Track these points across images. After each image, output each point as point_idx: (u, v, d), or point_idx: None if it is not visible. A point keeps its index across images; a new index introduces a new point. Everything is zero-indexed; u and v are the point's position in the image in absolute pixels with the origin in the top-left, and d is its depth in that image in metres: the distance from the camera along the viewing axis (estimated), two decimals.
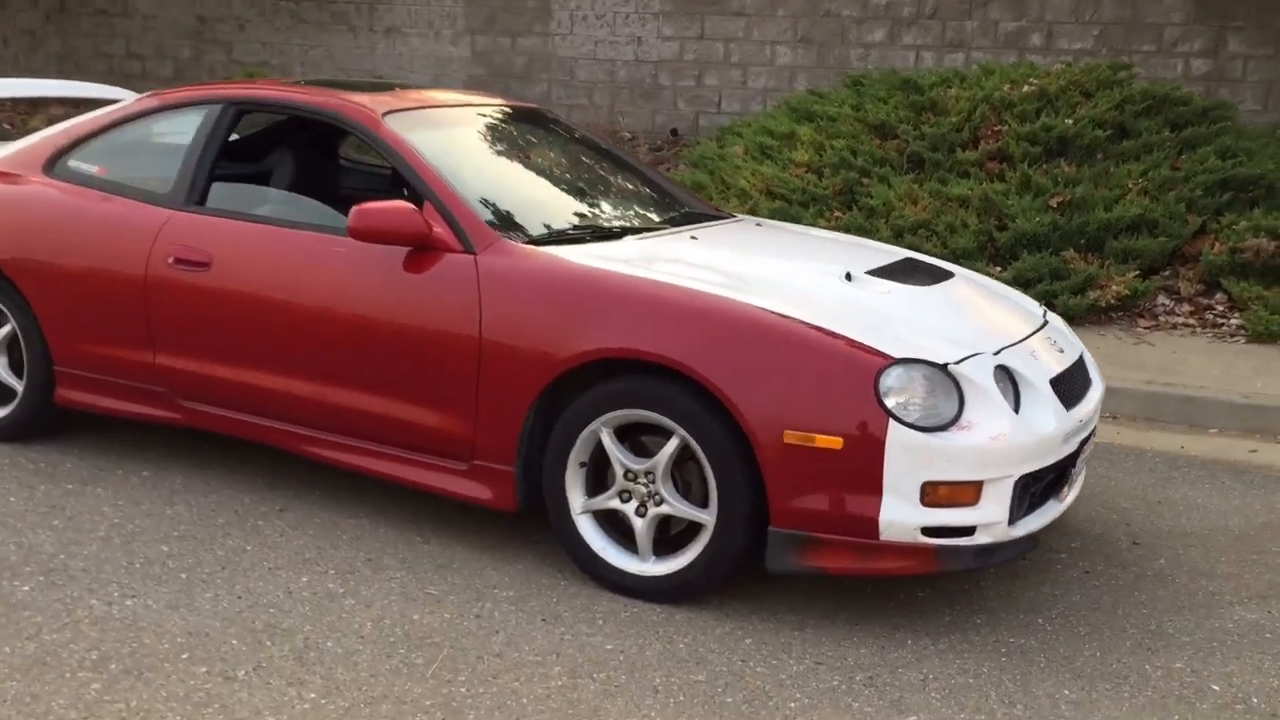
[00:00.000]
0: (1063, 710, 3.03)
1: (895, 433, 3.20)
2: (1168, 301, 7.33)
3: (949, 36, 10.94)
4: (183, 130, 4.46)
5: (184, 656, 3.14)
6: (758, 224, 4.74)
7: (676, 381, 3.40)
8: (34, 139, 4.75)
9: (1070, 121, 7.91)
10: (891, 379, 3.26)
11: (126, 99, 5.81)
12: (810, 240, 4.66)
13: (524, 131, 4.69)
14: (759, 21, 11.42)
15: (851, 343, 3.31)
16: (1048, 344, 3.80)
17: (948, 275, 4.11)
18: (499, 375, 3.63)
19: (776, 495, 3.29)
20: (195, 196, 4.29)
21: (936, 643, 3.36)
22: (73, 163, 4.57)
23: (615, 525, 3.64)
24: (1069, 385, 3.67)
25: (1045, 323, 4.00)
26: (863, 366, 3.26)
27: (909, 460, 3.20)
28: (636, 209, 4.43)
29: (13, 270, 4.49)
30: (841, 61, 11.27)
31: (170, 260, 4.19)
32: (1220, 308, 7.25)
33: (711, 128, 11.61)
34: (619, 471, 3.53)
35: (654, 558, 3.54)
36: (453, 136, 4.32)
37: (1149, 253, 7.38)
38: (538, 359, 3.56)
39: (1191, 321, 7.13)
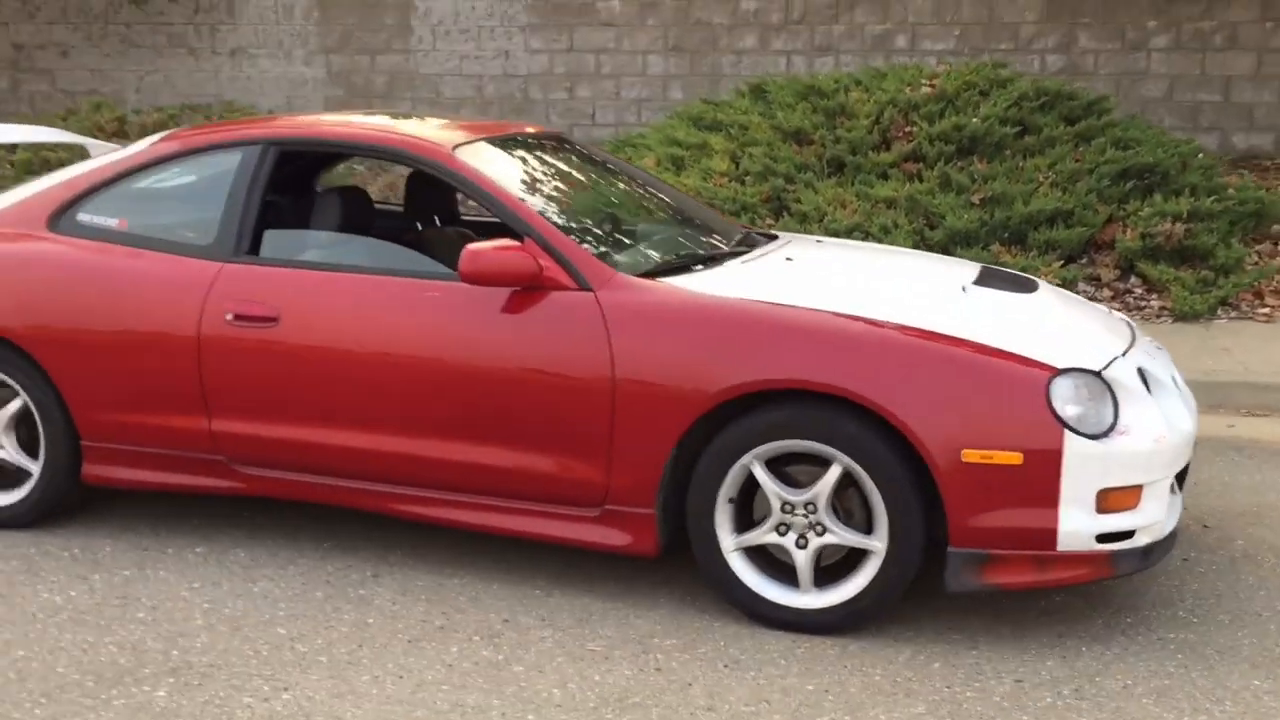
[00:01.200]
0: (1266, 702, 3.13)
1: (1071, 443, 3.24)
2: (1089, 288, 7.67)
3: (818, 41, 11.20)
4: (213, 175, 4.13)
5: None
6: (818, 241, 4.72)
7: (840, 408, 3.35)
8: (25, 192, 4.31)
9: (978, 120, 8.20)
10: (1061, 389, 3.30)
11: (84, 142, 5.37)
12: (887, 255, 4.66)
13: (564, 159, 4.54)
14: (629, 31, 11.43)
15: (1017, 357, 3.34)
16: (1147, 344, 3.92)
17: (1033, 282, 4.18)
18: (637, 415, 3.50)
19: (955, 515, 3.29)
20: (245, 246, 3.98)
21: (1109, 647, 3.42)
22: (84, 216, 4.17)
23: (764, 559, 3.56)
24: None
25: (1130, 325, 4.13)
26: (1033, 380, 3.29)
27: (1085, 469, 3.25)
28: (700, 233, 4.35)
29: (25, 340, 4.07)
30: (714, 69, 11.40)
31: (229, 317, 3.87)
32: (1139, 290, 7.65)
33: (586, 140, 11.52)
34: (775, 504, 3.46)
35: (814, 589, 3.48)
36: (515, 168, 4.14)
37: (1067, 243, 7.72)
38: (682, 396, 3.46)
39: (1115, 305, 7.49)
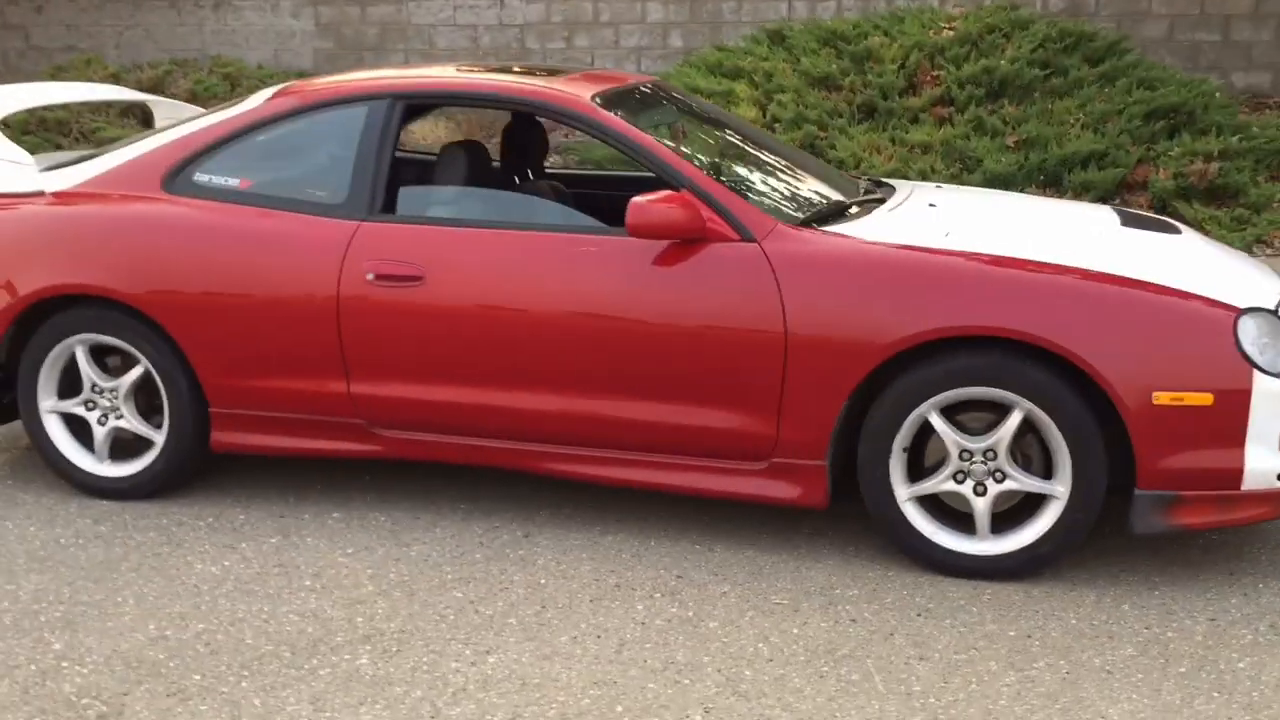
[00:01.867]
0: None
1: (1260, 382, 3.27)
2: None
3: None
4: (338, 131, 4.00)
5: (618, 710, 2.88)
6: (938, 187, 4.69)
7: (1022, 354, 3.35)
8: (132, 152, 4.15)
9: (1006, 62, 8.20)
10: (1246, 329, 3.32)
11: (148, 99, 5.20)
12: (1020, 200, 4.63)
13: (679, 109, 4.46)
14: None
15: (1202, 297, 3.35)
16: None
17: (1174, 225, 4.19)
18: (810, 367, 3.47)
19: (1145, 458, 3.30)
20: (379, 204, 3.87)
21: None
22: (201, 177, 4.02)
23: (935, 507, 3.56)
24: None
25: None
26: (1220, 320, 3.31)
27: (1270, 408, 3.28)
28: (826, 182, 4.30)
29: (148, 305, 3.94)
30: (715, 16, 11.28)
31: (370, 277, 3.77)
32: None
33: None
34: (953, 452, 3.46)
35: (990, 536, 3.49)
36: (651, 120, 4.05)
37: (1102, 184, 7.76)
38: (857, 346, 3.43)
39: None
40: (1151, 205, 7.84)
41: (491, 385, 3.75)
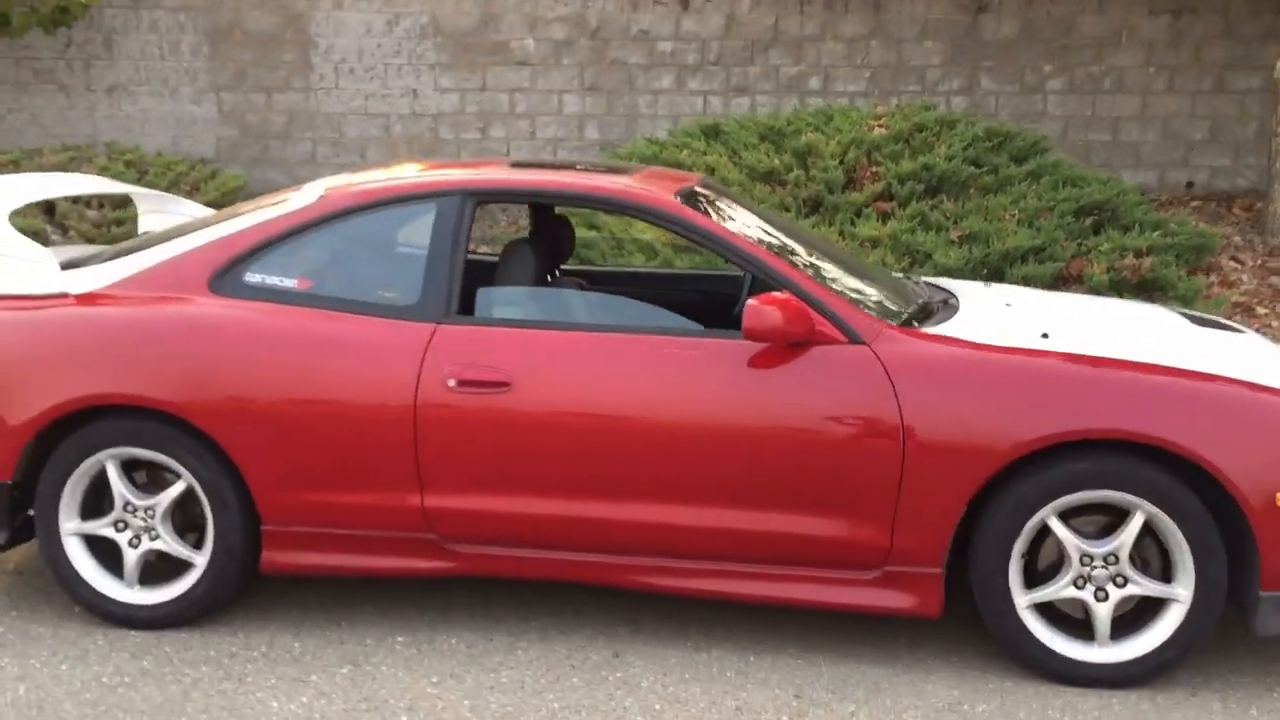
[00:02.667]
0: None
1: None
2: None
3: (734, 82, 11.31)
4: (403, 229, 3.80)
5: None
6: (986, 286, 4.70)
7: (1144, 457, 3.34)
8: (168, 250, 3.85)
9: (943, 160, 8.42)
10: None
11: (139, 191, 4.89)
12: (1080, 300, 4.67)
13: (734, 208, 4.37)
14: (544, 71, 11.27)
15: None
16: None
17: (1231, 324, 4.28)
18: (928, 473, 3.40)
19: (1269, 559, 3.31)
20: (456, 306, 3.67)
21: None
22: (253, 277, 3.76)
23: (1050, 614, 3.51)
24: None
25: None
26: None
27: None
28: (882, 280, 4.26)
29: (197, 415, 3.63)
30: (631, 109, 11.36)
31: (452, 383, 3.56)
32: None
33: None
34: (1074, 557, 3.42)
35: (1110, 642, 3.45)
36: (724, 218, 3.96)
37: (1042, 277, 7.98)
38: (978, 451, 3.38)
39: None
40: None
41: (582, 496, 3.56)
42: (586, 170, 4.08)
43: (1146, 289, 8.13)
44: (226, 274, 3.76)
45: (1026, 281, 7.82)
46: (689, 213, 3.71)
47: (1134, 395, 3.36)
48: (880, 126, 8.90)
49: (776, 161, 8.54)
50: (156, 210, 4.94)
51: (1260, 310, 8.07)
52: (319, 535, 3.70)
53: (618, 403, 3.52)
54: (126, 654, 3.62)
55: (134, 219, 5.31)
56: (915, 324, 3.65)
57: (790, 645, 3.69)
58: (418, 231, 3.77)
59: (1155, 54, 11.27)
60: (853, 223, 8.11)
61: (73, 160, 9.66)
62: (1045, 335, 3.61)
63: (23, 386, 3.69)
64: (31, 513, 3.84)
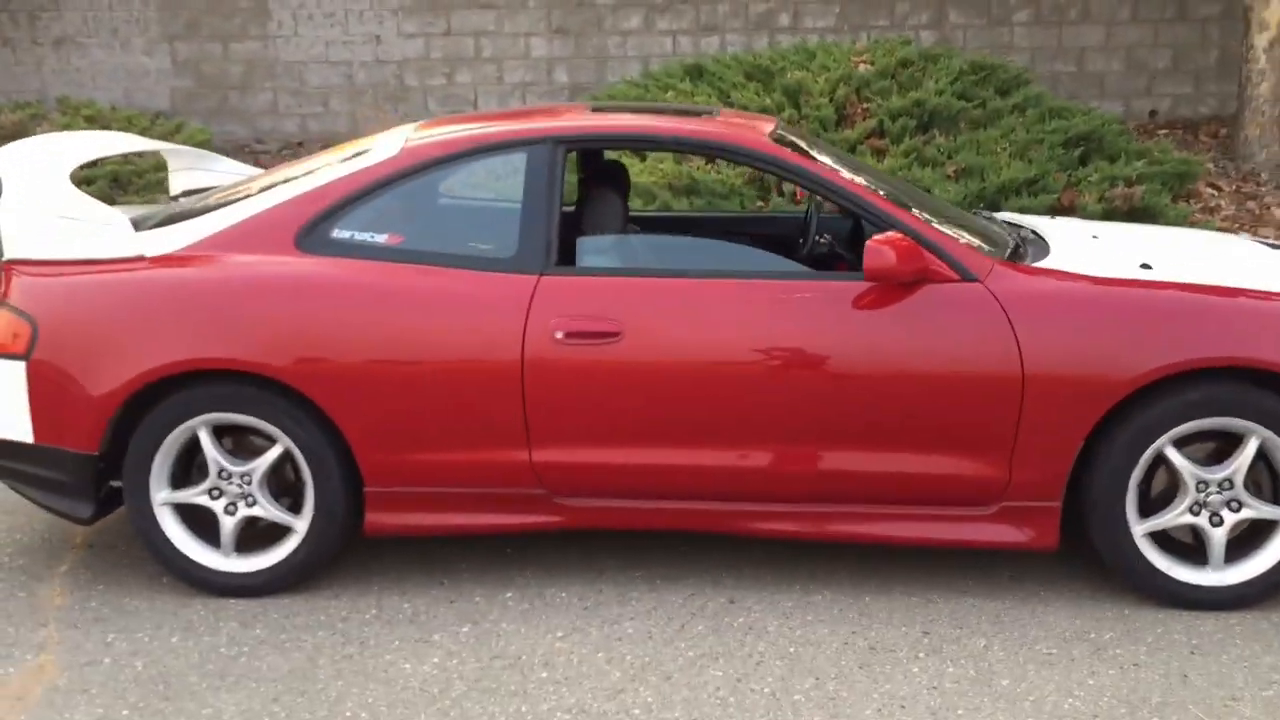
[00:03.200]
0: None
1: None
2: None
3: (704, 20, 11.21)
4: (492, 180, 3.71)
5: None
6: (1052, 220, 4.71)
7: (1254, 383, 3.38)
8: (247, 209, 3.70)
9: (934, 95, 8.43)
10: None
11: (171, 148, 4.71)
12: (1157, 229, 4.68)
13: (816, 146, 4.29)
14: (509, 13, 11.06)
15: None
16: None
17: None
18: (1047, 407, 3.42)
19: None
20: (555, 256, 3.59)
21: None
22: (340, 233, 3.64)
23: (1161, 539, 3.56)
24: None
25: None
26: None
27: None
28: (963, 217, 4.24)
29: (295, 377, 3.52)
30: (600, 51, 11.21)
31: (559, 335, 3.49)
32: None
33: None
34: (1190, 484, 3.46)
35: (1224, 565, 3.51)
36: (822, 159, 3.90)
37: (1037, 209, 8.04)
38: (1097, 383, 3.40)
39: None
40: None
41: (696, 444, 3.53)
42: (669, 114, 4.00)
43: (1138, 217, 8.23)
44: (312, 231, 3.63)
45: (1023, 213, 7.89)
46: (788, 153, 3.67)
47: (1247, 322, 3.41)
48: (864, 63, 8.87)
49: (768, 100, 8.46)
50: (191, 168, 4.76)
51: (1242, 235, 8.19)
52: (424, 495, 3.63)
53: (731, 349, 3.48)
54: (235, 623, 3.53)
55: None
56: (1019, 259, 3.65)
57: (897, 584, 3.71)
58: (507, 181, 3.68)
59: None
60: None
61: (33, 118, 9.29)
62: (1146, 266, 3.63)
63: (107, 355, 3.55)
64: (115, 484, 3.72)
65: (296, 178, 3.82)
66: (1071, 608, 3.55)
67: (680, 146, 3.83)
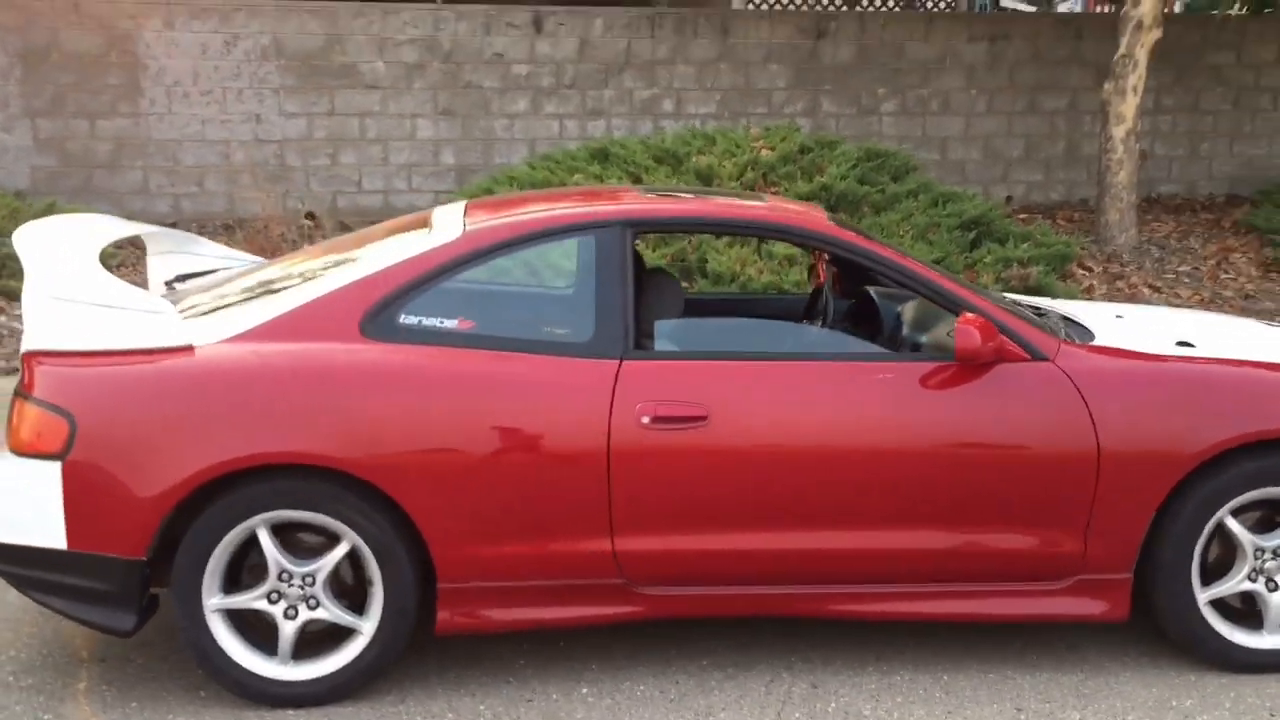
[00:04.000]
0: None
1: None
2: None
3: (589, 105, 11.35)
4: (560, 263, 3.64)
5: None
6: (1064, 302, 4.88)
7: None
8: (300, 296, 3.53)
9: (839, 179, 8.73)
10: None
11: (151, 230, 4.47)
12: (1176, 311, 4.86)
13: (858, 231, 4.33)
14: (395, 94, 10.98)
15: None
16: None
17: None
18: (1121, 482, 3.54)
19: None
20: (633, 340, 3.54)
21: None
22: (408, 319, 3.49)
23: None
24: None
25: None
26: None
27: None
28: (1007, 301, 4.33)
29: (369, 471, 3.35)
30: (486, 133, 11.21)
31: (646, 420, 3.43)
32: None
33: (353, 209, 10.93)
34: (1249, 551, 3.63)
35: (1277, 629, 3.67)
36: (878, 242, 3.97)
37: None
38: (1166, 457, 3.54)
39: None
40: None
41: (781, 528, 3.50)
42: (722, 199, 4.02)
43: (1033, 295, 8.63)
44: (377, 317, 3.48)
45: None
46: (856, 237, 3.73)
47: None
48: (765, 148, 9.11)
49: (680, 182, 8.60)
50: (171, 251, 4.52)
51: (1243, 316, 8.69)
52: (499, 590, 3.48)
53: (816, 430, 3.49)
54: None
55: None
56: (1073, 340, 3.78)
57: (970, 661, 3.74)
58: (573, 264, 3.62)
59: (976, 77, 12.01)
60: (762, 242, 8.26)
61: None
62: (1186, 344, 3.81)
63: (158, 452, 3.30)
64: (153, 591, 3.45)
65: (341, 263, 3.67)
66: (1139, 676, 3.65)
67: (750, 230, 3.86)
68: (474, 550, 3.43)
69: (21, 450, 3.34)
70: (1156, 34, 9.98)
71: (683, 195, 4.06)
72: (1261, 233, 10.80)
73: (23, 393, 3.39)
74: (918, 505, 3.52)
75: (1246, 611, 3.71)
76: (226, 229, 10.00)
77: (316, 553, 3.45)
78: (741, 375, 3.51)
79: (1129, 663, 3.73)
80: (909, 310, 3.95)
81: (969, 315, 3.50)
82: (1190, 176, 12.59)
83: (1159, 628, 3.72)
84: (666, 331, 3.69)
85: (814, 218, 3.78)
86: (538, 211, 3.73)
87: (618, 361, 3.48)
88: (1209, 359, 3.69)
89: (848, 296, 4.46)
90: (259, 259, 4.72)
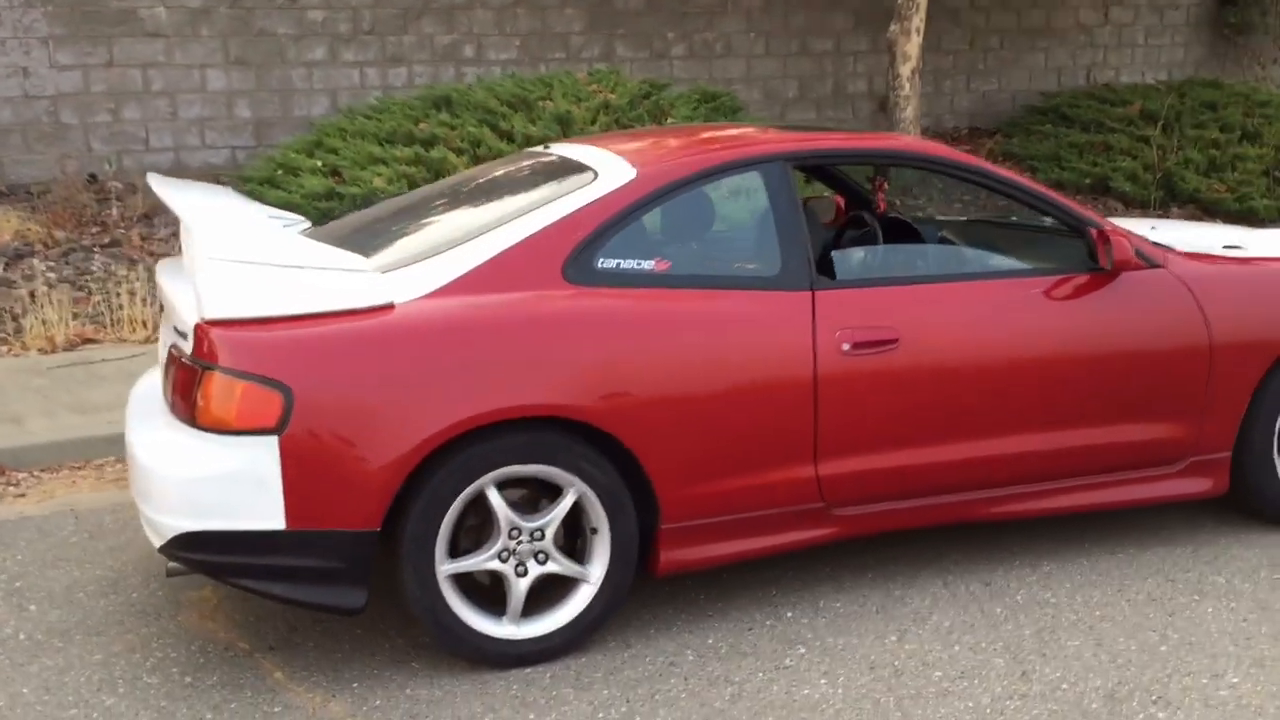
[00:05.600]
0: None
1: None
2: None
3: (389, 52, 11.00)
4: (731, 199, 3.66)
5: None
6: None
7: None
8: (494, 244, 3.37)
9: (689, 122, 8.96)
10: None
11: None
12: (1176, 222, 5.31)
13: None
14: (180, 43, 10.22)
15: None
16: None
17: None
18: (1228, 370, 3.97)
19: None
20: (816, 270, 3.63)
21: None
22: (606, 263, 3.42)
23: None
24: None
25: None
26: None
27: None
28: None
29: (604, 418, 3.28)
30: (284, 83, 10.66)
31: (846, 347, 3.54)
32: None
33: (140, 169, 10.14)
34: None
35: None
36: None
37: None
38: (1260, 345, 4.01)
39: None
40: None
41: (958, 439, 3.71)
42: (841, 133, 4.14)
43: None
44: (576, 261, 3.39)
45: None
46: (989, 164, 3.95)
47: None
48: (605, 93, 9.19)
49: (538, 128, 8.54)
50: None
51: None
52: (714, 526, 3.50)
53: (990, 344, 3.71)
54: (570, 688, 3.21)
55: None
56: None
57: (1109, 548, 4.08)
58: (753, 200, 3.65)
59: (754, 21, 12.48)
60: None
61: None
62: (1234, 246, 4.30)
63: (386, 419, 3.10)
64: None
65: (533, 209, 3.52)
66: (1241, 546, 4.10)
67: (900, 161, 4.00)
68: (693, 488, 3.43)
69: (223, 427, 3.05)
70: None
71: (823, 135, 4.13)
72: (1019, 159, 11.88)
73: (205, 363, 3.09)
74: (1073, 406, 3.81)
75: None
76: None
77: (534, 507, 3.34)
78: (924, 298, 3.67)
79: (1232, 534, 4.18)
80: (992, 232, 4.25)
81: (1106, 229, 3.81)
82: (937, 111, 13.58)
83: (1246, 500, 4.18)
84: (843, 260, 3.79)
85: (950, 149, 3.98)
86: (704, 150, 3.72)
87: (810, 292, 3.56)
88: (1271, 258, 4.18)
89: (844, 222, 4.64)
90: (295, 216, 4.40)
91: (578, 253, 3.38)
